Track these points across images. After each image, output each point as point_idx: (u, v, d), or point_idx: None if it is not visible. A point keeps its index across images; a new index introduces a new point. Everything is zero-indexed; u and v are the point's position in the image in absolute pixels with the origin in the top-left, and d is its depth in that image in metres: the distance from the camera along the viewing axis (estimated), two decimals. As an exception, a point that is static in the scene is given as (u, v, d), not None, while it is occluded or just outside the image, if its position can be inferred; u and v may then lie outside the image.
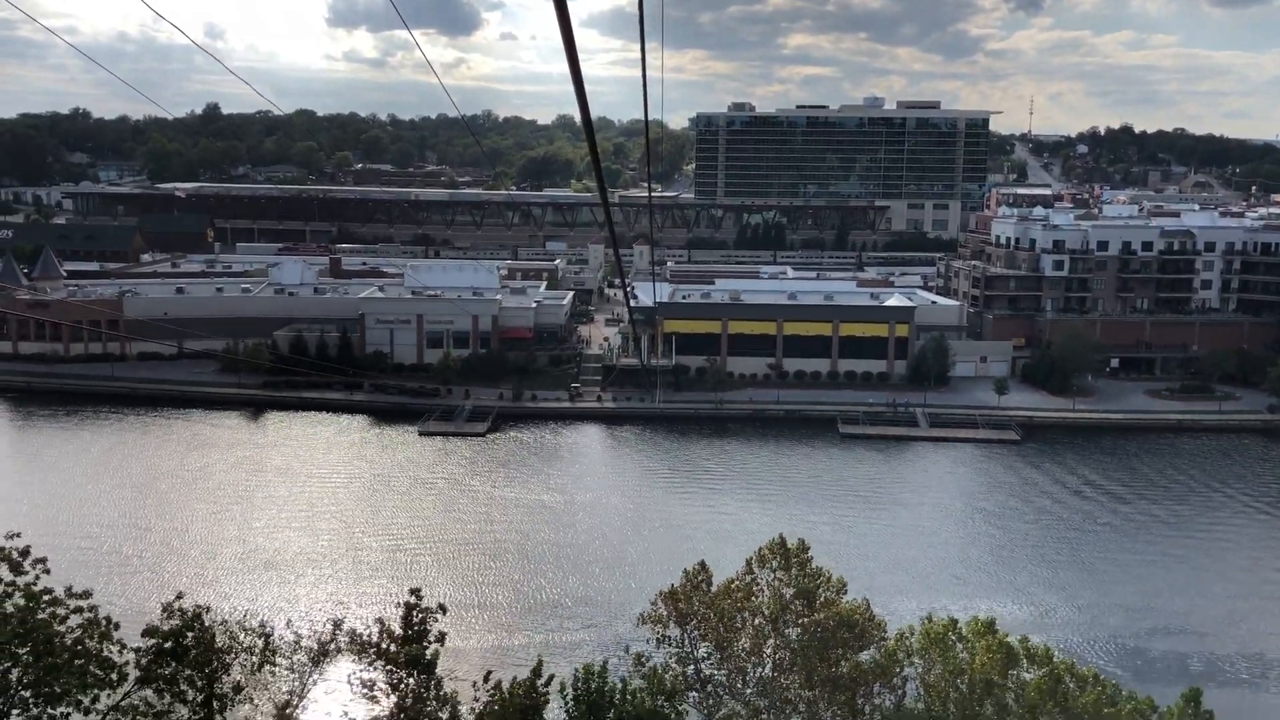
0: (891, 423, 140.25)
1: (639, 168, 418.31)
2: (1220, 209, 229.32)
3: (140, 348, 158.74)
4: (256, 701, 29.26)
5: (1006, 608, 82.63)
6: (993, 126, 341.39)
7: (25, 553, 26.57)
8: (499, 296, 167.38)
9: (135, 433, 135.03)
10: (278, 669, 29.67)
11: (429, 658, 29.67)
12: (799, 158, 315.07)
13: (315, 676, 30.13)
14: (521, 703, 29.92)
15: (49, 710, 25.85)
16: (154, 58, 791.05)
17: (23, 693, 25.68)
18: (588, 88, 11.90)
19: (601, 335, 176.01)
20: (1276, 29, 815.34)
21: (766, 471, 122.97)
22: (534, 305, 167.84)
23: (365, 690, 29.39)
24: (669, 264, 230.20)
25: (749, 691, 36.06)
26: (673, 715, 33.89)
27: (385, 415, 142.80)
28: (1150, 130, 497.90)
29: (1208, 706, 35.14)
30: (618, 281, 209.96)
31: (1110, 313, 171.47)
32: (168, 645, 27.68)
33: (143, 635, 27.82)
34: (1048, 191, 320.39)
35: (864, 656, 36.16)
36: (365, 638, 29.97)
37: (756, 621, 37.13)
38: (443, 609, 30.99)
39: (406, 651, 29.38)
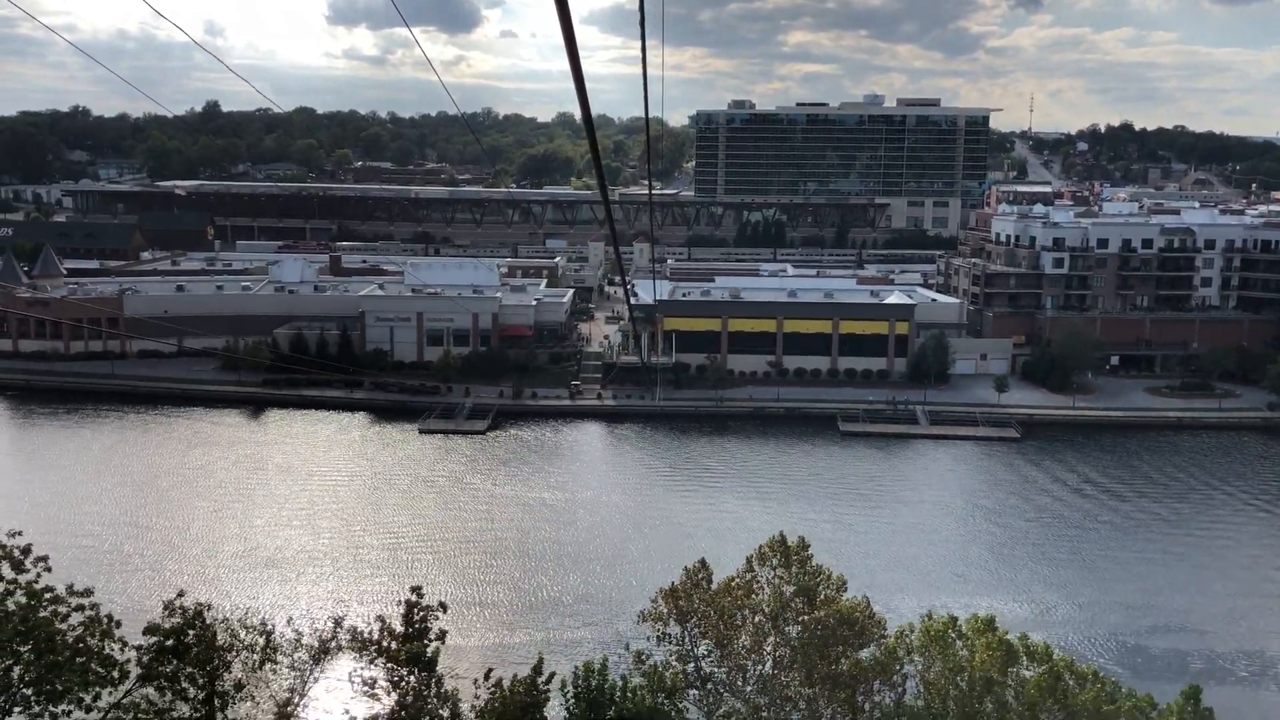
0: (891, 420, 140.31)
1: (639, 165, 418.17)
2: (1220, 206, 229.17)
3: (140, 346, 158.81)
4: (258, 699, 29.29)
5: (1006, 605, 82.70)
6: (993, 124, 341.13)
7: (27, 551, 26.61)
8: (499, 294, 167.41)
9: (136, 431, 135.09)
10: (279, 667, 29.70)
11: (430, 655, 29.69)
12: (799, 155, 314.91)
13: (316, 674, 30.16)
14: (522, 700, 29.96)
15: (51, 708, 25.90)
16: (154, 55, 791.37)
17: (24, 690, 25.72)
18: (588, 85, 11.90)
19: (602, 333, 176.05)
20: (1276, 26, 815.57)
21: (766, 469, 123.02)
22: (534, 303, 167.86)
23: (366, 688, 29.42)
24: (669, 262, 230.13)
25: (749, 689, 36.10)
26: (673, 713, 33.94)
27: (385, 413, 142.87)
28: (1150, 127, 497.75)
29: (1207, 704, 35.23)
30: (618, 279, 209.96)
31: (1110, 310, 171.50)
32: (169, 643, 27.72)
33: (144, 633, 27.85)
34: (1048, 189, 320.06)
35: (864, 654, 36.19)
36: (366, 635, 30.00)
37: (757, 619, 37.16)
38: (443, 607, 31.01)
39: (407, 649, 29.41)
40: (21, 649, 25.59)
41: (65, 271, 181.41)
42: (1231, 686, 73.91)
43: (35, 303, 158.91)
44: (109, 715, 26.74)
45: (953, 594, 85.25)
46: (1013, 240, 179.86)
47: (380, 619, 30.61)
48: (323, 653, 30.05)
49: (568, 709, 32.21)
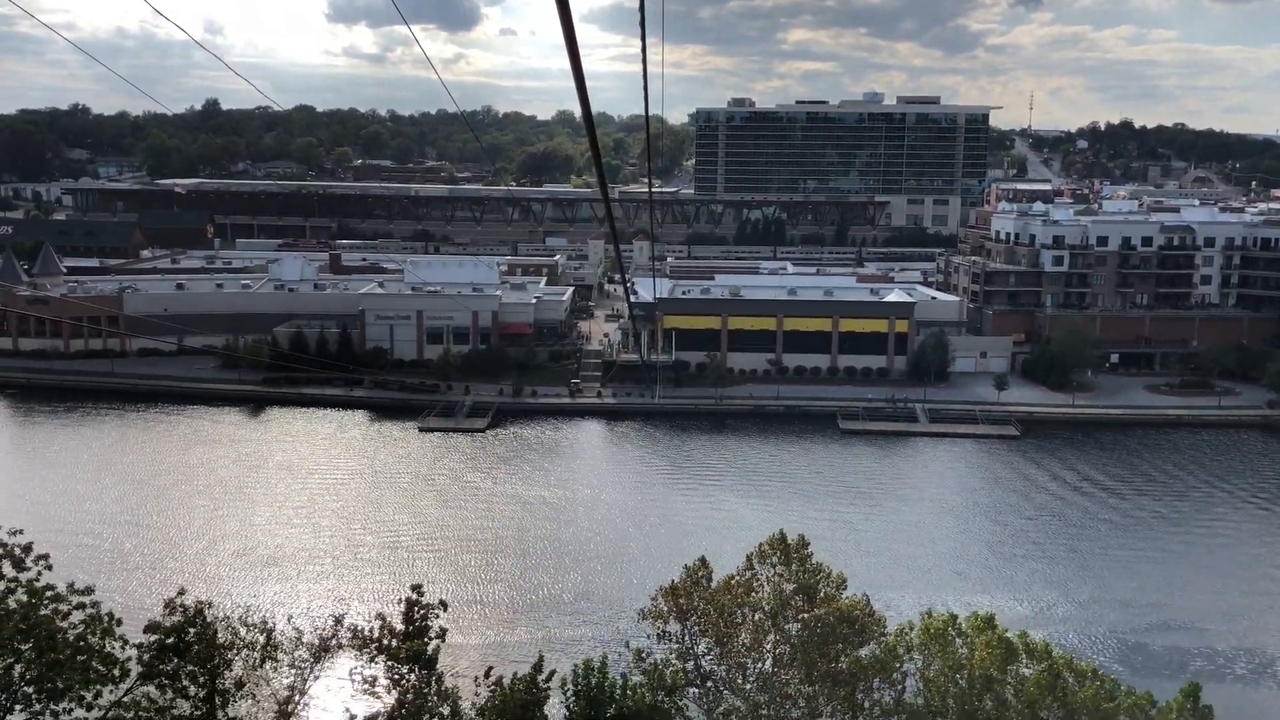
0: (891, 418, 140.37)
1: (639, 163, 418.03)
2: (1220, 204, 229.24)
3: (140, 344, 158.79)
4: (258, 697, 29.33)
5: (1006, 603, 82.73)
6: (993, 122, 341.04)
7: (28, 549, 26.66)
8: (499, 292, 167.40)
9: (136, 429, 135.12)
10: (279, 665, 29.74)
11: (430, 653, 29.73)
12: (799, 153, 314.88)
13: (317, 672, 30.19)
14: (522, 698, 30.01)
15: (52, 706, 25.95)
16: (153, 53, 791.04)
17: (26, 688, 25.78)
18: (588, 83, 11.93)
19: (601, 331, 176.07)
20: (1276, 24, 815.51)
21: (766, 467, 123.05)
22: (534, 301, 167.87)
23: (366, 686, 29.46)
24: (669, 259, 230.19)
25: (749, 687, 36.12)
26: (673, 710, 33.98)
27: (385, 411, 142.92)
28: (1150, 125, 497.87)
29: (1206, 702, 35.24)
30: (618, 277, 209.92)
31: (1110, 308, 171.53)
32: (170, 641, 27.75)
33: (145, 631, 27.88)
34: (1048, 187, 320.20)
35: (864, 652, 36.21)
36: (366, 633, 30.04)
37: (756, 617, 37.19)
38: (443, 605, 31.05)
39: (408, 647, 29.44)
40: (23, 647, 25.64)
41: (65, 270, 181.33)
42: (1231, 684, 73.95)
43: (35, 301, 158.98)
44: (110, 713, 26.78)
45: (952, 592, 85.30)
46: (1012, 238, 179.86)
47: (380, 617, 30.65)
48: (323, 651, 30.09)
49: (568, 707, 32.26)
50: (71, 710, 26.23)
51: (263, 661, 29.31)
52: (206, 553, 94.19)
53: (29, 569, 26.46)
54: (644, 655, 35.73)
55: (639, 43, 12.63)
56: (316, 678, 30.22)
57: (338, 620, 30.61)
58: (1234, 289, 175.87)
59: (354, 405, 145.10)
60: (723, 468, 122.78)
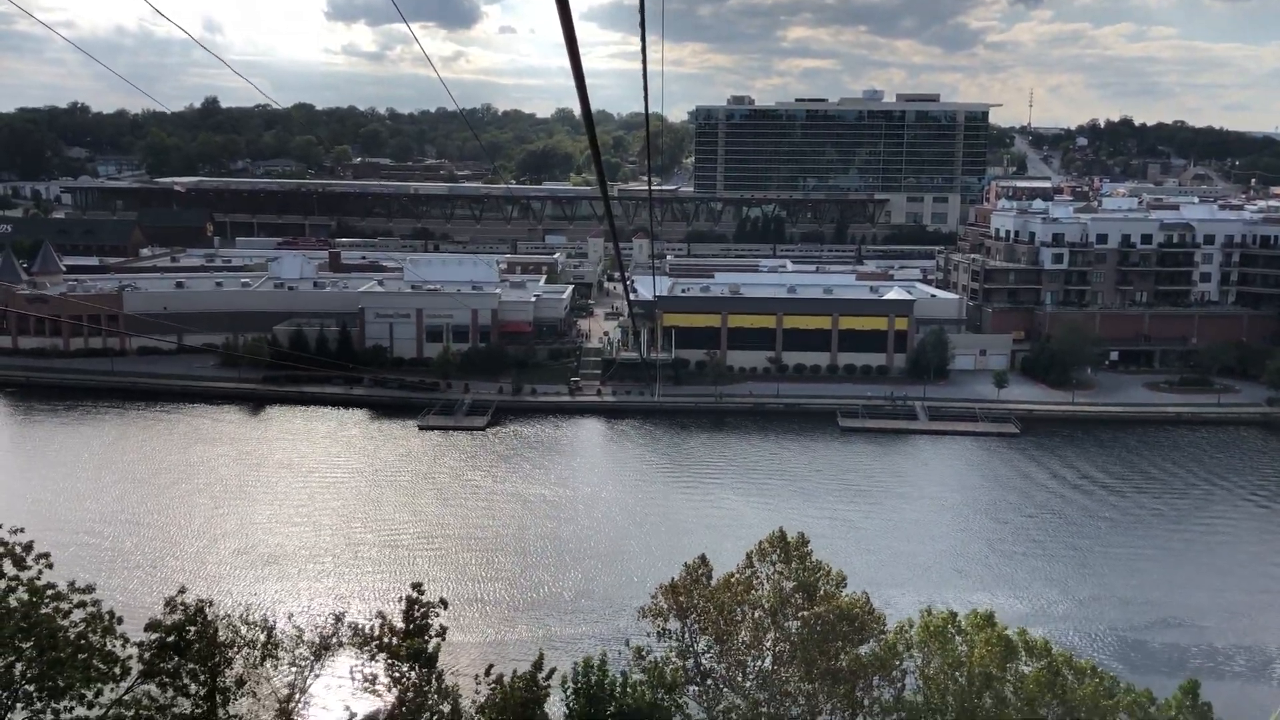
0: (891, 416, 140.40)
1: (638, 161, 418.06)
2: (1219, 202, 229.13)
3: (140, 342, 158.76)
4: (259, 695, 29.35)
5: (1005, 601, 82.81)
6: (992, 119, 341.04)
7: (29, 548, 26.67)
8: (498, 290, 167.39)
9: (136, 427, 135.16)
10: (280, 663, 29.76)
11: (430, 652, 29.76)
12: (798, 151, 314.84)
13: (317, 670, 30.22)
14: (522, 696, 30.06)
15: (53, 704, 25.97)
16: (152, 51, 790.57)
17: (26, 687, 25.79)
18: (587, 80, 11.93)
19: (601, 329, 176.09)
20: (1276, 21, 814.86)
21: (766, 465, 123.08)
22: (533, 299, 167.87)
23: (367, 684, 29.50)
24: (668, 258, 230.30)
25: (749, 684, 36.16)
26: (673, 708, 34.03)
27: (385, 409, 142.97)
28: (1150, 123, 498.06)
29: (1206, 699, 35.27)
30: (617, 275, 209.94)
31: (1109, 305, 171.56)
32: (170, 639, 27.77)
33: (145, 630, 27.90)
34: (1047, 184, 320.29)
35: (863, 649, 36.23)
36: (367, 632, 30.08)
37: (756, 615, 37.21)
38: (444, 603, 31.07)
39: (408, 645, 29.48)
40: (24, 645, 25.66)
41: (64, 268, 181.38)
42: (1230, 681, 74.03)
43: (35, 300, 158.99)
44: (111, 711, 26.82)
45: (952, 590, 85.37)
46: (1012, 236, 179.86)
47: (381, 615, 30.69)
48: (324, 649, 30.12)
49: (568, 704, 32.31)
50: (72, 708, 26.25)
51: (263, 659, 29.33)
52: (207, 551, 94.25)
53: (30, 567, 26.47)
54: (644, 653, 35.75)
55: (639, 40, 12.64)
56: (317, 676, 30.26)
57: (338, 618, 30.64)
58: (1233, 286, 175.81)
59: (354, 403, 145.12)
60: (722, 466, 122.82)
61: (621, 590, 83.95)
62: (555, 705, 32.07)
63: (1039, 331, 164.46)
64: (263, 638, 29.39)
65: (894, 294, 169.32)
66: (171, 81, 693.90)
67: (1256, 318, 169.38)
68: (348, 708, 29.49)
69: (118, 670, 26.88)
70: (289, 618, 33.16)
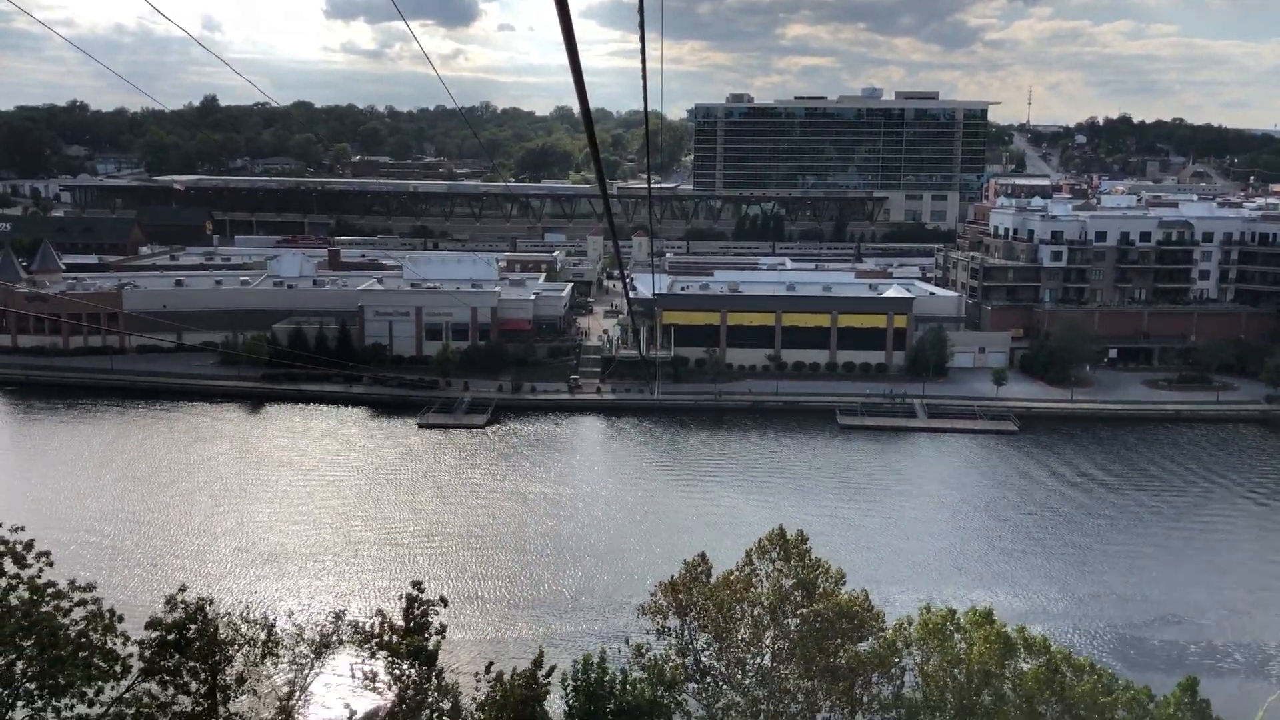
0: (890, 414, 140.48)
1: (638, 159, 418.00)
2: (1218, 199, 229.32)
3: (139, 341, 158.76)
4: (259, 693, 29.39)
5: (1004, 598, 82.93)
6: (991, 117, 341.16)
7: (29, 546, 26.68)
8: (498, 288, 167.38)
9: (135, 426, 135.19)
10: (280, 661, 29.78)
11: (430, 649, 29.80)
12: (797, 149, 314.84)
13: (317, 668, 30.27)
14: (522, 693, 30.10)
15: (53, 702, 26.00)
16: (151, 49, 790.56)
17: (27, 685, 25.82)
18: (586, 79, 11.98)
19: (600, 327, 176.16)
20: (1275, 18, 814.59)
21: (765, 463, 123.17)
22: (533, 297, 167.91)
23: (367, 681, 29.54)
24: (668, 255, 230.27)
25: (748, 682, 36.21)
26: (672, 705, 34.08)
27: (385, 407, 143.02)
28: (1149, 120, 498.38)
29: (1204, 696, 35.32)
30: (616, 273, 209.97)
31: (1108, 303, 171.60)
32: (171, 637, 27.79)
33: (146, 628, 27.92)
34: (1046, 182, 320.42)
35: (862, 647, 36.27)
36: (367, 630, 30.11)
37: (755, 612, 37.25)
38: (444, 601, 31.10)
39: (408, 643, 29.52)
40: (24, 644, 25.69)
41: (64, 267, 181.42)
42: (1229, 678, 74.16)
43: (34, 298, 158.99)
44: (111, 710, 26.85)
45: (951, 587, 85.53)
46: (1011, 233, 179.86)
47: (381, 613, 30.72)
48: (324, 646, 30.14)
49: (568, 702, 32.37)
50: (73, 706, 26.28)
51: (264, 657, 29.35)
52: (207, 549, 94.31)
53: (30, 566, 26.50)
54: (643, 650, 35.80)
55: (638, 38, 12.68)
56: (317, 673, 30.29)
57: (338, 616, 30.65)
58: (1232, 284, 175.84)
59: (353, 402, 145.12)
60: (721, 463, 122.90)
61: (621, 588, 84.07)
62: (555, 702, 32.13)
63: (1038, 329, 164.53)
64: (263, 636, 29.42)
65: (893, 292, 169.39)
66: (170, 80, 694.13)
67: (1255, 315, 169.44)
68: (348, 705, 29.53)
69: (118, 668, 26.91)
70: (289, 616, 33.21)
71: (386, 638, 29.73)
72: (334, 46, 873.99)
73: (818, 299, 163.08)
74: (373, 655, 29.69)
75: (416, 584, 31.12)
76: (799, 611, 36.66)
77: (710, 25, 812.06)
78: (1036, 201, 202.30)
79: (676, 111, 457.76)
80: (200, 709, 28.11)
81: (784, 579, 37.90)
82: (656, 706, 32.82)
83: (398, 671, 29.42)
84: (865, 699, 35.55)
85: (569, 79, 11.83)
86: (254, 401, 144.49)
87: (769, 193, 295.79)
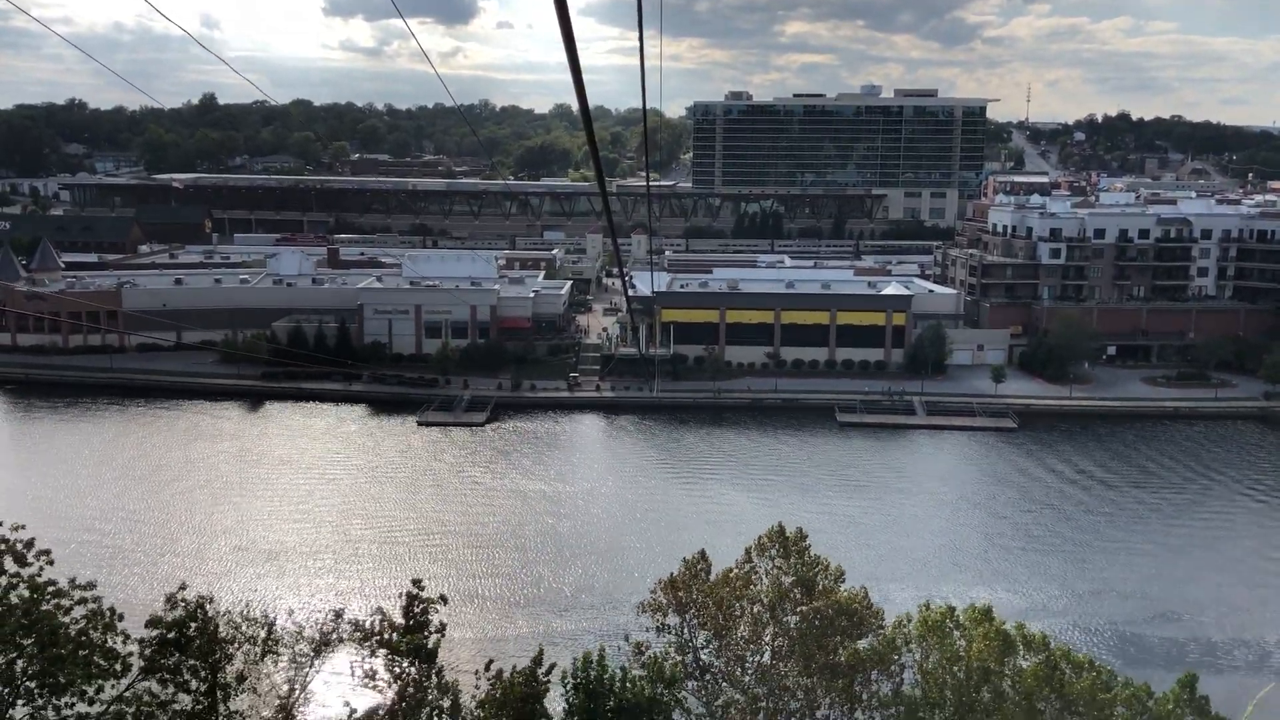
0: (889, 411, 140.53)
1: (637, 157, 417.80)
2: (1217, 196, 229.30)
3: (139, 339, 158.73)
4: (259, 691, 29.41)
5: (1003, 595, 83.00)
6: (990, 114, 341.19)
7: (29, 544, 26.70)
8: (497, 286, 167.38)
9: (135, 424, 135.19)
10: (280, 659, 29.81)
11: (430, 647, 29.83)
12: (796, 146, 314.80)
13: (317, 666, 30.29)
14: (522, 691, 30.12)
15: (54, 701, 26.02)
16: (150, 48, 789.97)
17: (28, 683, 25.85)
18: (585, 76, 11.97)
19: (600, 325, 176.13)
20: (1274, 15, 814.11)
21: (764, 460, 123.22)
22: (532, 295, 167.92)
23: (367, 679, 29.56)
24: (667, 253, 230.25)
25: (748, 679, 36.26)
26: (672, 703, 34.11)
27: (384, 405, 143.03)
28: (1148, 117, 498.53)
29: (1203, 692, 35.37)
30: (616, 271, 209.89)
31: (1107, 300, 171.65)
32: (171, 636, 27.81)
33: (146, 626, 27.94)
34: (1045, 179, 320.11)
35: (862, 644, 36.31)
36: (367, 628, 30.13)
37: (755, 610, 37.28)
38: (443, 599, 31.13)
39: (408, 641, 29.55)
40: (25, 642, 25.71)
41: (63, 265, 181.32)
42: (1227, 675, 74.24)
43: (33, 297, 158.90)
44: (111, 708, 26.88)
45: (950, 584, 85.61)
46: (1010, 231, 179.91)
47: (380, 611, 30.75)
48: (324, 645, 30.16)
49: (567, 700, 32.39)
50: (74, 705, 26.30)
51: (263, 655, 29.37)
52: (206, 547, 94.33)
53: (31, 564, 26.51)
54: (643, 648, 35.83)
55: (636, 35, 12.69)
56: (317, 671, 30.31)
57: (338, 614, 30.65)
58: (1230, 281, 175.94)
59: (352, 399, 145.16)
60: (721, 461, 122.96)
61: (620, 585, 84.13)
62: (555, 700, 32.16)
63: (1036, 326, 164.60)
64: (263, 634, 29.43)
65: (892, 289, 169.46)
66: (169, 78, 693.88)
67: (1253, 312, 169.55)
68: (347, 703, 29.57)
69: (118, 667, 26.93)
70: (289, 614, 33.22)
71: (386, 636, 29.77)
72: (333, 44, 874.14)
73: (817, 296, 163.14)
74: (372, 653, 29.72)
75: (416, 582, 31.13)
76: (798, 609, 36.71)
77: (709, 22, 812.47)
78: (1035, 199, 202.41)
79: (675, 109, 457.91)
80: (200, 707, 28.13)
81: (783, 576, 37.95)
82: (656, 704, 32.84)
83: (397, 669, 29.46)
84: (865, 696, 35.60)
85: (568, 77, 11.82)
86: (253, 400, 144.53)
87: (768, 190, 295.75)
